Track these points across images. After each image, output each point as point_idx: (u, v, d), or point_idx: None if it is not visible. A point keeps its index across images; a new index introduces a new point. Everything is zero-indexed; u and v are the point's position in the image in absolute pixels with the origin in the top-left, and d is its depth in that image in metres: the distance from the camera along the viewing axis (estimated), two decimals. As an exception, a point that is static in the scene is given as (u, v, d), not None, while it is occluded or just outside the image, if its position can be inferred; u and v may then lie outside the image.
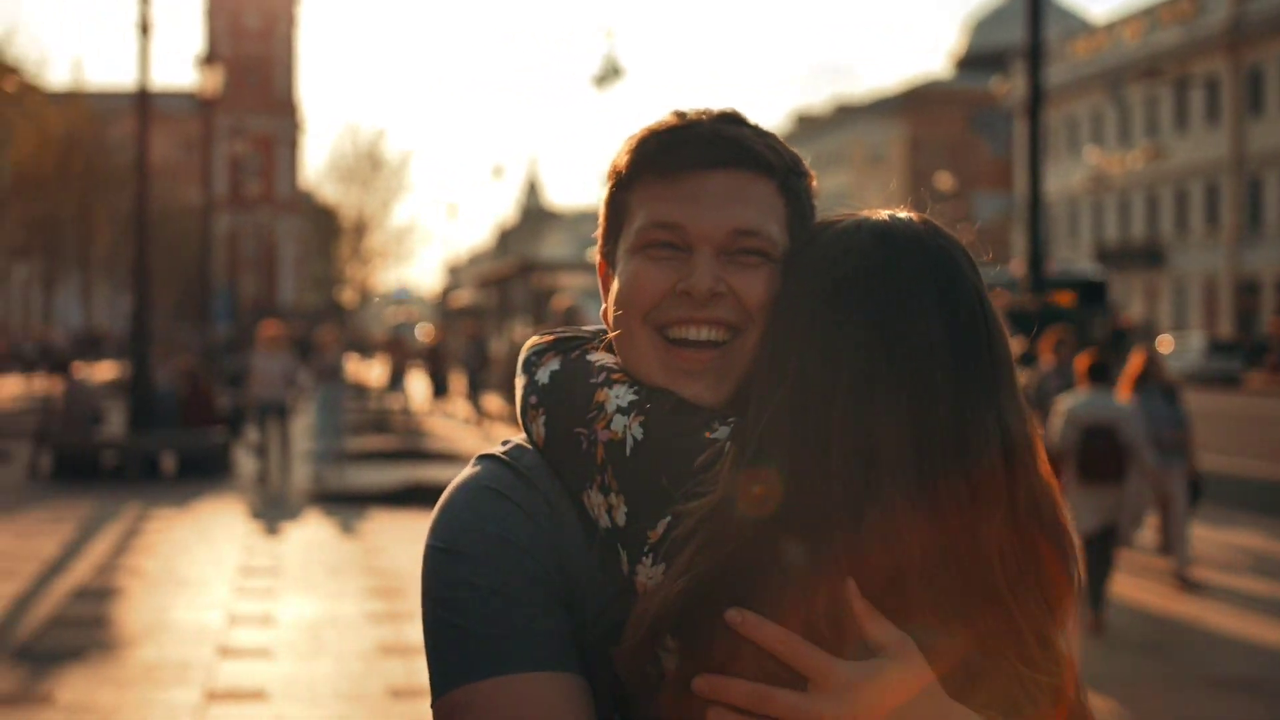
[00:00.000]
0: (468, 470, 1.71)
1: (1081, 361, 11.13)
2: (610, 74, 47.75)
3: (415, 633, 9.99)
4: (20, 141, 32.95)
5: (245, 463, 19.68)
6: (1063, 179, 65.46)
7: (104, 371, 43.01)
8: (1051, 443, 10.30)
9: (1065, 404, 10.67)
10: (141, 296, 22.39)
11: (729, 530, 1.50)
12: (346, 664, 9.18)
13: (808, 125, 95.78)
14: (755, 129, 1.75)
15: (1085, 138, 64.70)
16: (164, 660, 9.15)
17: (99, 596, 11.26)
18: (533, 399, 1.69)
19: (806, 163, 1.79)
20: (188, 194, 59.20)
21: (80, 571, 12.30)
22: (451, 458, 23.50)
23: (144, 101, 22.47)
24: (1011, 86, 65.84)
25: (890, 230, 1.61)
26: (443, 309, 73.18)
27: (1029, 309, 16.97)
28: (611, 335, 1.73)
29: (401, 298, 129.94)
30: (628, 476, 1.59)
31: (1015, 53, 64.90)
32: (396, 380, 35.81)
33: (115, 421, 23.01)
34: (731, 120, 1.74)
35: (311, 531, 15.17)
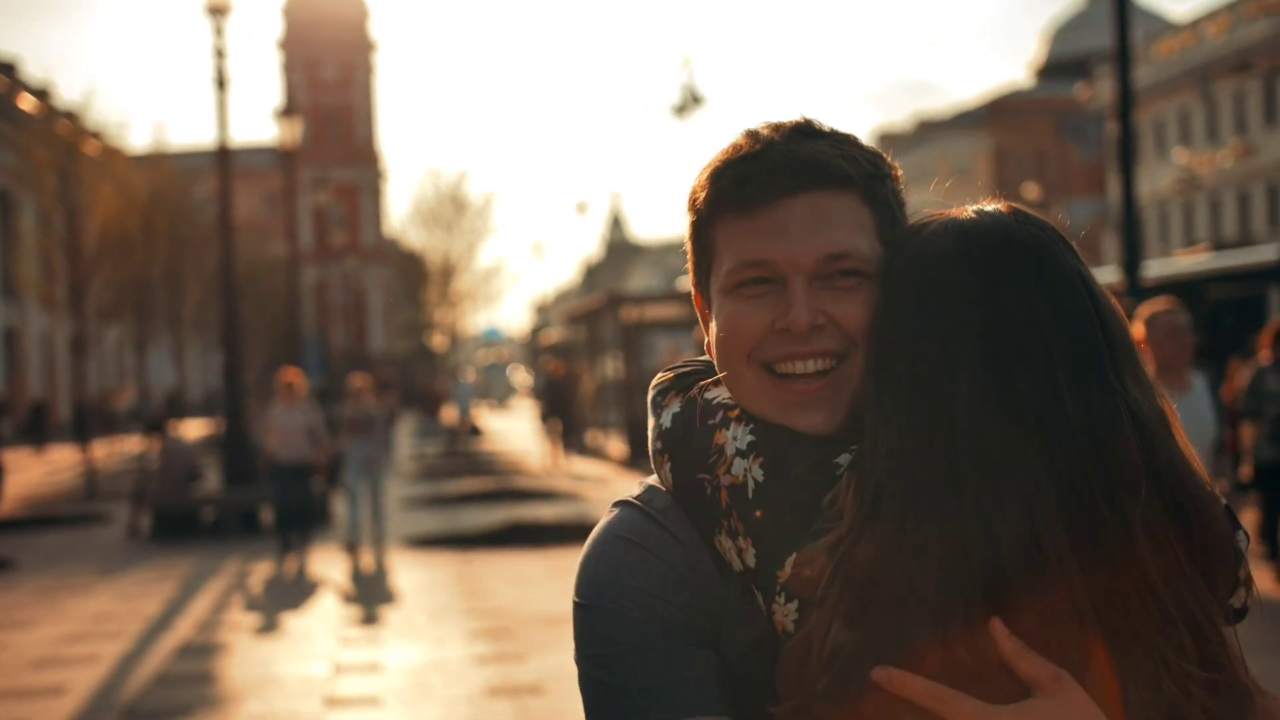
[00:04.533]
0: (604, 518, 1.72)
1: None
2: (690, 103, 47.72)
3: (523, 673, 9.85)
4: (104, 205, 33.26)
5: (344, 512, 19.46)
6: (1151, 182, 64.56)
7: (193, 430, 43.45)
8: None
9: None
10: (231, 351, 22.46)
11: (863, 571, 1.48)
12: (455, 708, 9.02)
13: (890, 143, 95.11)
14: (831, 139, 1.69)
15: (1173, 139, 63.79)
16: (272, 714, 9.03)
17: (203, 653, 11.17)
18: (658, 444, 1.69)
19: (889, 159, 1.73)
20: (274, 248, 59.67)
21: (183, 629, 12.23)
22: (548, 496, 23.40)
23: (225, 157, 22.61)
24: (1095, 91, 65.07)
25: (976, 229, 1.58)
26: (533, 348, 73.36)
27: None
28: (720, 375, 1.70)
29: (491, 339, 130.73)
30: (753, 520, 1.57)
31: (1097, 57, 63.99)
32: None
33: (213, 478, 23.09)
34: (805, 134, 1.69)
35: (414, 576, 15.04)
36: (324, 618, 12.65)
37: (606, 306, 33.89)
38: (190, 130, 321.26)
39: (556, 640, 10.96)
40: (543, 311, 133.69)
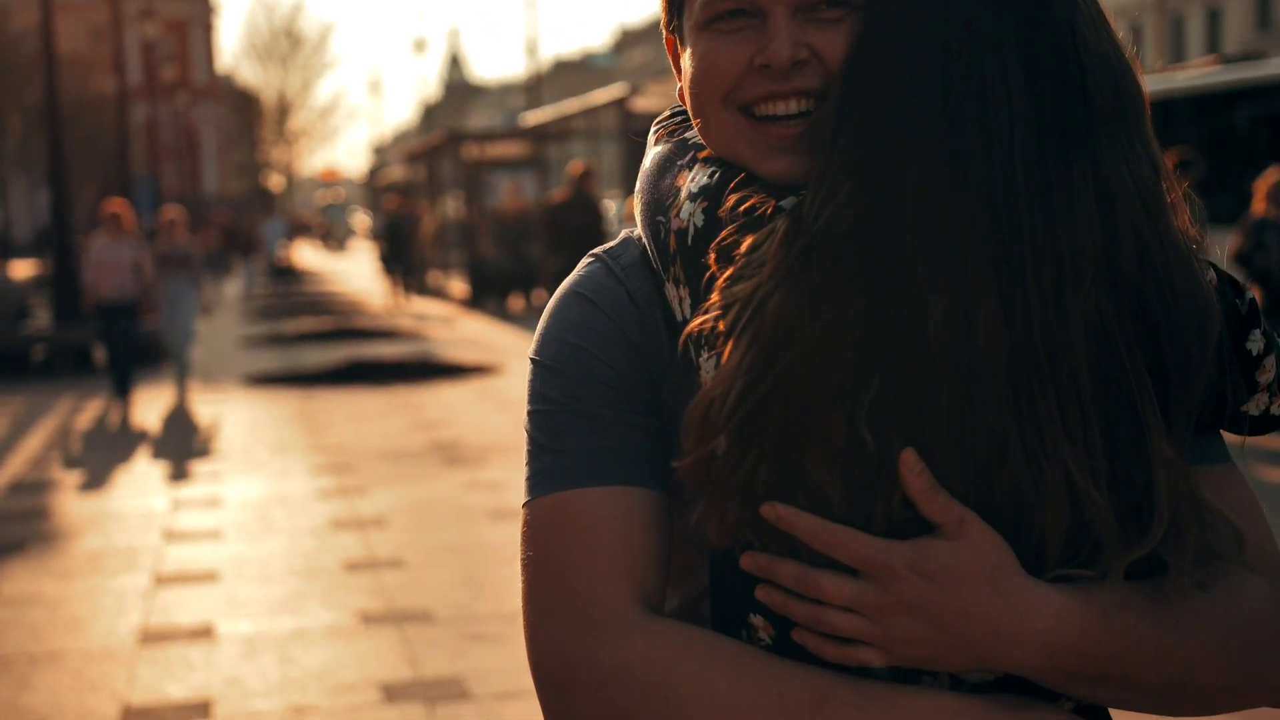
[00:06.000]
0: (575, 270, 1.63)
1: None
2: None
3: (366, 507, 9.82)
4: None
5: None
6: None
7: (21, 270, 42.36)
8: None
9: None
10: (59, 188, 21.72)
11: (774, 325, 1.36)
12: (299, 541, 8.97)
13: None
14: None
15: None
16: (109, 548, 8.90)
17: (37, 489, 10.96)
18: (638, 185, 1.59)
19: None
20: (101, 83, 57.63)
21: (15, 466, 11.99)
22: (389, 335, 23.24)
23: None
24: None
25: None
26: (371, 189, 72.18)
27: None
28: (694, 122, 1.56)
29: (328, 180, 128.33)
30: (690, 267, 1.47)
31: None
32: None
33: (43, 317, 22.49)
34: None
35: (252, 413, 14.88)
36: (160, 454, 12.45)
37: (447, 144, 33.36)
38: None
39: (400, 475, 10.94)
40: (381, 153, 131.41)
